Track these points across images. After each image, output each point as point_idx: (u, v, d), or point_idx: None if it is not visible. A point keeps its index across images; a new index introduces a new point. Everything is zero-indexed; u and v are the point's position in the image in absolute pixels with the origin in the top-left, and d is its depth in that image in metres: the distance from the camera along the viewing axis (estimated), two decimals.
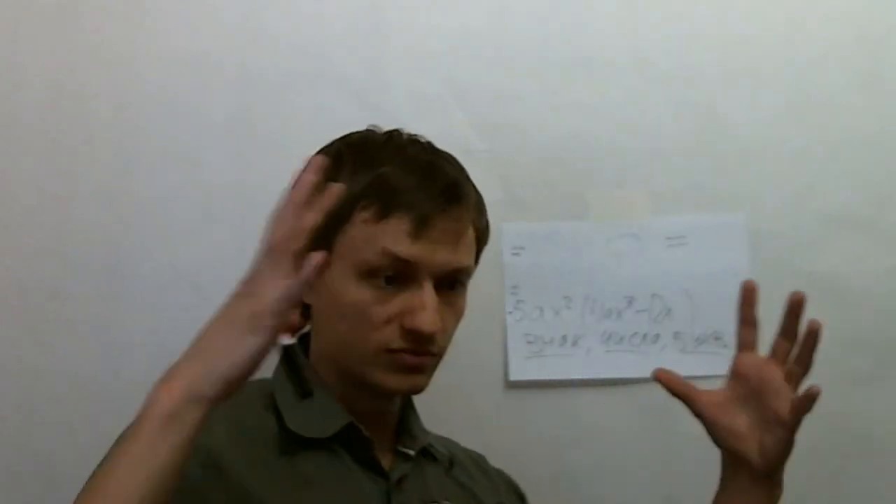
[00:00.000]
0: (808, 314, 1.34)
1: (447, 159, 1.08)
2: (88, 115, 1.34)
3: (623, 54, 1.38)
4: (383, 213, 1.00)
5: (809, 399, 1.05)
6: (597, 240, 1.36)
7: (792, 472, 1.33)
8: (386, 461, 1.06)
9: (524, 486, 1.24)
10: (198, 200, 1.33)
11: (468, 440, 1.31)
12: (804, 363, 1.08)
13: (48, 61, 1.34)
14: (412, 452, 1.09)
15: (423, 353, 1.01)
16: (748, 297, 1.10)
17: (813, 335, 1.08)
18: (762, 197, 1.37)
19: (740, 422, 1.07)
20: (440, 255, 1.01)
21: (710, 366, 1.34)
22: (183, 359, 0.83)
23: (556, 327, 1.34)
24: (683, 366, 1.32)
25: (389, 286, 1.00)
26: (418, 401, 1.31)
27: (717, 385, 1.34)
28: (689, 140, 1.38)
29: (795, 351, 1.08)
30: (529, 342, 1.34)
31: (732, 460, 1.08)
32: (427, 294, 1.00)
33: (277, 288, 0.83)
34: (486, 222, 1.10)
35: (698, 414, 1.10)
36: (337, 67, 1.37)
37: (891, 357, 1.35)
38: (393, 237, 0.99)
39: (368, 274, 1.00)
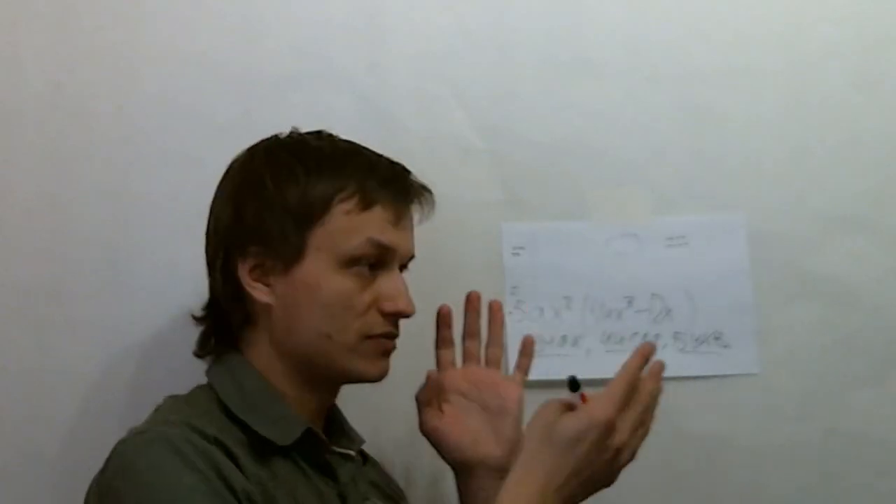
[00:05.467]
0: (809, 314, 1.35)
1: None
2: (88, 115, 1.34)
3: (623, 54, 1.38)
4: (365, 204, 1.04)
5: (527, 351, 1.23)
6: (597, 240, 1.36)
7: (792, 472, 1.34)
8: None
9: None
10: (198, 200, 1.32)
11: None
12: (497, 343, 1.23)
13: (48, 61, 1.34)
14: (353, 453, 1.11)
15: (395, 336, 1.07)
16: (444, 320, 1.21)
17: (497, 312, 1.23)
18: (762, 197, 1.37)
19: (473, 429, 1.15)
20: (408, 243, 1.09)
21: (710, 366, 1.34)
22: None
23: (556, 327, 1.34)
24: (683, 366, 1.33)
25: (368, 273, 1.05)
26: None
27: (717, 385, 1.35)
28: (689, 140, 1.38)
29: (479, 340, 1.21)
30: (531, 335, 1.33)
31: (470, 467, 1.14)
32: (400, 279, 1.07)
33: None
34: None
35: (426, 434, 1.17)
36: (337, 67, 1.37)
37: (891, 357, 1.35)
38: (377, 226, 1.04)
39: (351, 262, 1.04)
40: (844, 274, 1.35)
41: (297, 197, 1.03)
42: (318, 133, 1.11)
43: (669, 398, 1.33)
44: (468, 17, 1.38)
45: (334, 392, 1.11)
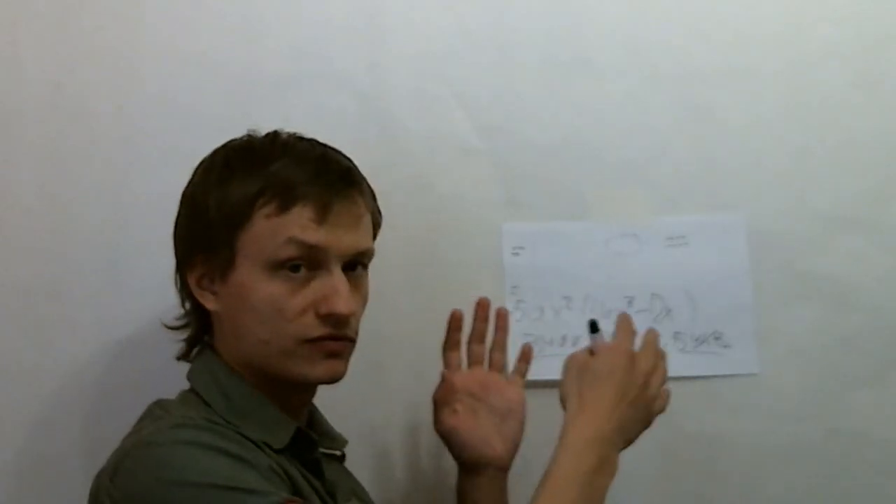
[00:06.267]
0: (809, 314, 1.35)
1: (336, 151, 1.09)
2: (88, 115, 1.34)
3: (623, 54, 1.38)
4: (285, 206, 1.01)
5: (526, 357, 1.28)
6: (597, 240, 1.36)
7: (792, 472, 1.34)
8: None
9: (524, 486, 1.23)
10: None
11: None
12: (501, 348, 1.27)
13: (48, 61, 1.34)
14: (339, 453, 1.14)
15: (341, 337, 1.03)
16: (456, 324, 1.25)
17: (503, 318, 1.28)
18: (762, 197, 1.37)
19: (484, 429, 1.19)
20: (345, 239, 1.03)
21: (710, 366, 1.34)
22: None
23: (556, 327, 1.34)
24: (683, 366, 1.33)
25: (298, 275, 1.02)
26: (419, 398, 1.31)
27: (717, 385, 1.35)
28: (689, 140, 1.38)
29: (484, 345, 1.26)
30: (530, 342, 1.33)
31: (480, 466, 1.19)
32: (338, 278, 1.02)
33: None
34: (377, 207, 1.12)
35: (442, 434, 1.22)
36: (337, 67, 1.37)
37: (891, 357, 1.35)
38: (299, 226, 1.01)
39: (277, 266, 1.01)
40: (844, 274, 1.35)
41: (219, 203, 1.03)
42: (273, 133, 1.08)
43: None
44: (468, 17, 1.38)
45: (307, 390, 1.09)
